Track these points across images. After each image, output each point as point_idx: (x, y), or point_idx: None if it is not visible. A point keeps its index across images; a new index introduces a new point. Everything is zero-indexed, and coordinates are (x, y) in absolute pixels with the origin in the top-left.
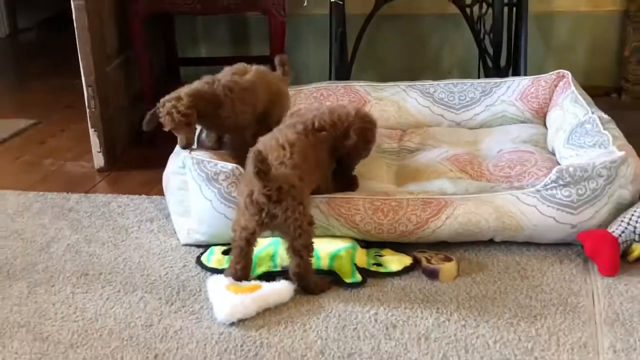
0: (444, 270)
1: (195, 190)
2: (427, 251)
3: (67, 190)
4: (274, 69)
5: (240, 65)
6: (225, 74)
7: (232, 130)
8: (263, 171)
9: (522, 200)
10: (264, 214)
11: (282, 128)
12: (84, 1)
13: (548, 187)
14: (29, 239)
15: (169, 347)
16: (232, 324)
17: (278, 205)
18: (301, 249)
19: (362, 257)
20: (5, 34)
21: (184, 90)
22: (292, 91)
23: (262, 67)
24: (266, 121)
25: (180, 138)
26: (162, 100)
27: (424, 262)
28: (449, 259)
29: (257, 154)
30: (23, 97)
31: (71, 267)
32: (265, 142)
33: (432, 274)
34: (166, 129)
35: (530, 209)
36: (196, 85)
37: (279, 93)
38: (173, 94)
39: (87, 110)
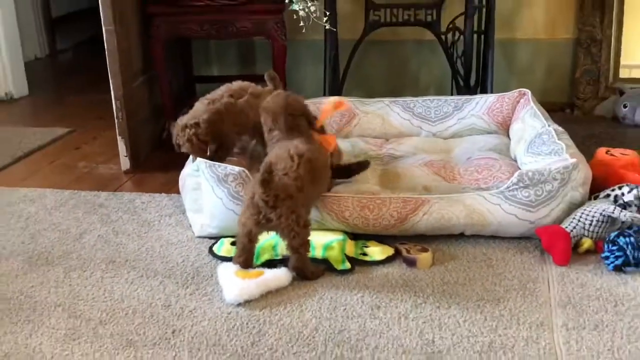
0: (421, 259)
1: (208, 190)
2: (406, 243)
3: (98, 189)
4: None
5: (237, 85)
6: (222, 94)
7: (225, 146)
8: (267, 180)
9: (488, 200)
10: (260, 216)
11: (294, 140)
12: (114, 27)
13: (510, 188)
14: (65, 230)
15: (184, 324)
16: (239, 304)
17: (273, 211)
18: (298, 247)
19: (350, 248)
20: (45, 54)
21: (202, 117)
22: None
23: (258, 88)
24: (260, 133)
25: (193, 157)
26: (180, 123)
27: (404, 252)
28: (425, 250)
29: (267, 166)
30: (60, 109)
31: (101, 255)
32: (278, 151)
33: (411, 263)
34: (183, 150)
35: (495, 207)
36: (199, 110)
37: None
38: (191, 118)
39: (116, 121)
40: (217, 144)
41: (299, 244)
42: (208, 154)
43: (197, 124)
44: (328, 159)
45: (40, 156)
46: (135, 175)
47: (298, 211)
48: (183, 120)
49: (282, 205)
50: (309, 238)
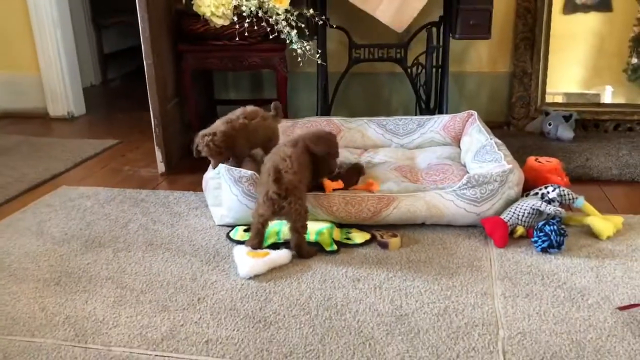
0: (392, 243)
1: (226, 188)
2: (380, 230)
3: (140, 188)
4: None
5: (251, 109)
6: (239, 116)
7: (238, 155)
8: (279, 179)
9: (444, 197)
10: (275, 206)
11: (281, 146)
12: (152, 60)
13: (461, 188)
14: (114, 220)
15: (207, 293)
16: (250, 278)
17: (285, 200)
18: (299, 229)
19: (337, 234)
20: (99, 82)
21: (219, 128)
22: (290, 122)
23: (267, 113)
24: (266, 147)
25: (213, 162)
26: (200, 133)
27: (379, 237)
28: (395, 236)
29: (276, 168)
30: (110, 125)
31: (142, 239)
32: (273, 157)
33: (384, 246)
34: (203, 155)
35: (449, 202)
36: (218, 124)
37: (274, 130)
38: (210, 129)
39: (154, 134)
40: (230, 153)
41: (301, 226)
42: (222, 158)
43: (214, 133)
44: (308, 158)
45: (94, 162)
46: (168, 176)
47: (302, 199)
48: (203, 131)
49: (291, 195)
50: (307, 223)
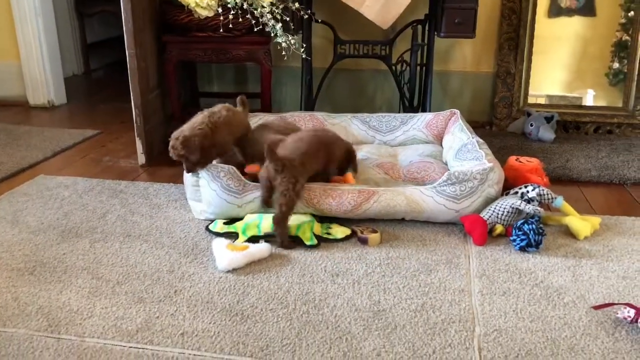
0: (372, 238)
1: (205, 184)
2: (361, 225)
3: (119, 179)
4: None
5: (222, 106)
6: (215, 113)
7: (222, 153)
8: (273, 153)
9: (423, 192)
10: (271, 179)
11: (299, 133)
12: (135, 51)
13: (441, 185)
14: (92, 210)
15: (184, 286)
16: (229, 271)
17: (279, 175)
18: (282, 204)
19: (317, 228)
20: (81, 72)
21: (193, 132)
22: (275, 116)
23: (235, 108)
24: (241, 142)
25: (185, 165)
26: (175, 135)
27: (359, 233)
28: (375, 231)
29: (269, 147)
30: (91, 115)
31: (120, 230)
32: (286, 140)
33: (364, 241)
34: (176, 159)
35: (428, 199)
36: (197, 118)
37: (247, 125)
38: (185, 131)
39: (135, 125)
40: (209, 153)
41: (283, 203)
42: (199, 160)
43: (187, 140)
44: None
45: (74, 152)
46: (149, 168)
47: (298, 179)
48: (179, 133)
49: (285, 170)
50: (293, 206)
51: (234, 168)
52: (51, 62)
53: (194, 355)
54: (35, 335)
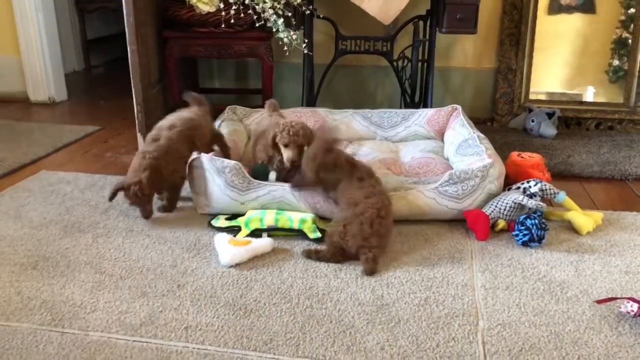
0: None
1: (209, 179)
2: None
3: (121, 174)
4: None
5: (178, 115)
6: (160, 135)
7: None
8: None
9: (425, 195)
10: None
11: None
12: (136, 47)
13: (443, 185)
14: (94, 205)
15: (187, 280)
16: (231, 266)
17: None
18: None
19: (321, 223)
20: (82, 68)
21: (142, 175)
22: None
23: (198, 112)
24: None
25: (140, 210)
26: (121, 184)
27: None
28: None
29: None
30: (92, 111)
31: (122, 225)
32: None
33: None
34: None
35: (430, 201)
36: (135, 161)
37: (212, 127)
38: (132, 178)
39: (136, 120)
40: (160, 187)
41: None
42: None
43: (138, 181)
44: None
45: (75, 147)
46: None
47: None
48: (125, 181)
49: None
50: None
51: (240, 164)
52: (52, 58)
53: (198, 349)
54: (39, 329)
